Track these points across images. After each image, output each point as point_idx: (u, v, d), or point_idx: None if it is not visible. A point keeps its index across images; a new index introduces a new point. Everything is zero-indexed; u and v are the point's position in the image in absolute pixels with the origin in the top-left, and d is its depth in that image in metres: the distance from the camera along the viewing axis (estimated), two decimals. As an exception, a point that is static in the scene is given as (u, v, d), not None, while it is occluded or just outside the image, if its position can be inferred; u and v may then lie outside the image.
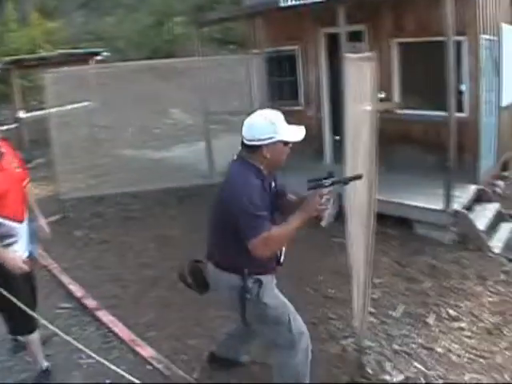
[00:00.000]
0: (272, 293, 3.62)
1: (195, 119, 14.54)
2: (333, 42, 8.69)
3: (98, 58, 15.25)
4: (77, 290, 6.15)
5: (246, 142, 3.39)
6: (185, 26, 23.46)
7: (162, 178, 9.48)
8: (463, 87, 8.18)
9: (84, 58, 15.27)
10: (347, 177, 3.90)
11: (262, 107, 9.03)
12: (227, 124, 12.73)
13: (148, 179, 9.53)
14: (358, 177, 3.72)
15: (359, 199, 4.07)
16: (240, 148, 3.47)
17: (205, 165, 9.95)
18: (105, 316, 5.49)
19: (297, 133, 3.45)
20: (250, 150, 3.39)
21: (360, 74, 4.28)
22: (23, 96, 15.64)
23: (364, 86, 4.08)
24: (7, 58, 15.24)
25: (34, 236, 4.39)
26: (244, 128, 3.40)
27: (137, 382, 2.93)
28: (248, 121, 3.41)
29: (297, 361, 3.64)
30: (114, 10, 28.54)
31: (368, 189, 3.79)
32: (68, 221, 8.73)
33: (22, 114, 15.46)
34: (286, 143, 3.41)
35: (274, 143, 3.35)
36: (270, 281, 3.62)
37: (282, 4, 7.93)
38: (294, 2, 7.83)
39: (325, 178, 3.42)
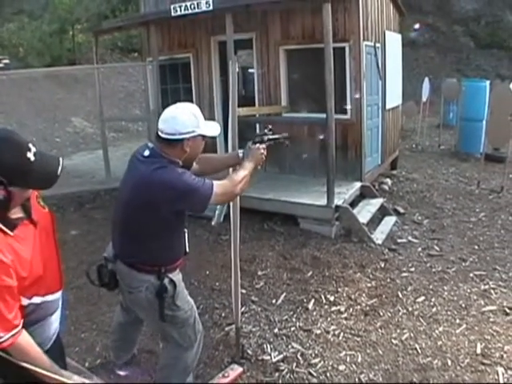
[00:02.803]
0: (184, 294, 3.63)
1: (96, 127, 14.57)
2: (224, 49, 8.99)
3: (-1, 65, 15.00)
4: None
5: (165, 136, 3.26)
6: (87, 33, 23.26)
7: (61, 185, 9.41)
8: (347, 91, 8.66)
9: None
10: (282, 135, 4.13)
11: (155, 114, 9.28)
12: (127, 132, 12.84)
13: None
14: (288, 137, 4.21)
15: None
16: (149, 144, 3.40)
17: (102, 171, 10.03)
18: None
19: (214, 128, 3.48)
20: (169, 144, 3.28)
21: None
22: None
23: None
24: None
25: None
26: (163, 122, 3.29)
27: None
28: (168, 114, 3.31)
29: (190, 355, 3.75)
30: (15, 16, 27.79)
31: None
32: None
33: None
34: (204, 137, 3.41)
35: (195, 137, 3.31)
36: (180, 279, 3.62)
37: (173, 13, 8.16)
38: (184, 12, 8.07)
39: (265, 134, 3.86)
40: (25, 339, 2.36)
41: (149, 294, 3.39)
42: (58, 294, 2.72)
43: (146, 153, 3.31)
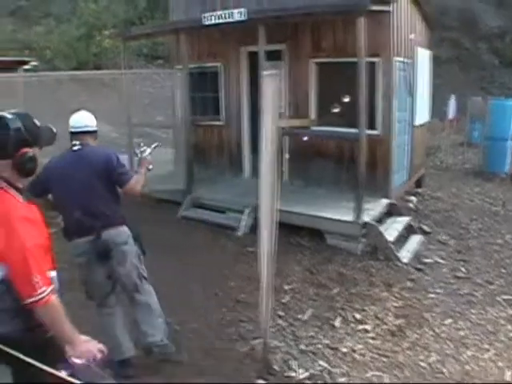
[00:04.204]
0: None
1: (119, 131, 14.55)
2: (254, 60, 8.98)
3: (26, 66, 15.03)
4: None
5: (90, 128, 4.41)
6: (112, 39, 23.41)
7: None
8: (377, 107, 8.58)
9: (12, 66, 15.01)
10: (156, 144, 4.97)
11: (183, 122, 9.27)
12: (150, 137, 12.81)
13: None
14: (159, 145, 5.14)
15: (265, 209, 4.33)
16: (77, 141, 4.34)
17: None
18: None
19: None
20: (93, 134, 4.47)
21: (272, 91, 4.55)
22: None
23: (272, 102, 4.36)
24: None
25: None
26: (83, 119, 4.41)
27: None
28: (81, 114, 4.46)
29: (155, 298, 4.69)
30: (44, 19, 28.07)
31: (271, 199, 4.07)
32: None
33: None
34: None
35: None
36: None
37: (205, 22, 8.15)
38: (216, 21, 8.06)
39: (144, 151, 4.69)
40: (56, 298, 2.61)
41: (129, 243, 4.47)
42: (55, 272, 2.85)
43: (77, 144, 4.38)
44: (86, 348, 2.72)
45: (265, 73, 4.64)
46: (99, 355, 2.75)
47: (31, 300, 2.51)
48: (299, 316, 5.63)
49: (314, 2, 8.27)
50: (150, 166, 4.65)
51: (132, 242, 4.50)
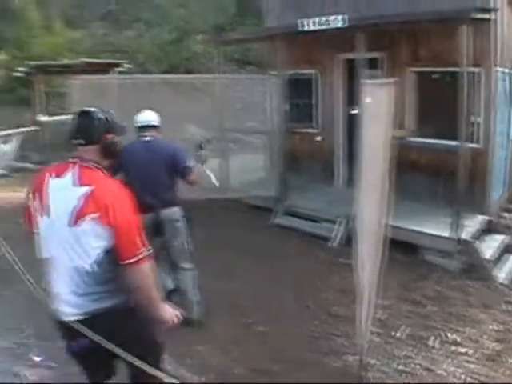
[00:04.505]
0: None
1: (210, 135, 14.74)
2: (350, 67, 8.83)
3: (119, 69, 15.49)
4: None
5: (154, 123, 5.38)
6: (204, 44, 23.75)
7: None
8: (477, 118, 8.25)
9: (106, 68, 15.50)
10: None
11: (277, 128, 9.24)
12: (239, 143, 12.90)
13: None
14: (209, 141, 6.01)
15: (372, 223, 4.20)
16: (145, 133, 5.30)
17: (219, 179, 9.98)
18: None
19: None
20: (157, 128, 5.42)
21: (377, 100, 4.42)
22: (44, 100, 15.90)
23: (380, 112, 4.23)
24: (31, 63, 15.53)
25: None
26: (148, 116, 5.40)
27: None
28: (147, 112, 5.44)
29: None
30: (134, 23, 28.90)
31: (380, 214, 3.92)
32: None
33: (42, 118, 15.76)
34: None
35: None
36: None
37: (301, 28, 8.08)
38: (314, 27, 7.98)
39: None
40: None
41: (179, 221, 5.39)
42: None
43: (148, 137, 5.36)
44: (169, 313, 3.12)
45: (366, 81, 4.52)
46: (177, 320, 3.15)
47: (134, 259, 2.85)
48: (393, 333, 5.44)
49: (413, 8, 8.08)
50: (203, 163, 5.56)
51: (183, 220, 5.44)
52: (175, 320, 3.14)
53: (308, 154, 10.53)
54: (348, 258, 6.18)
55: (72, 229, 2.86)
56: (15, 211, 9.56)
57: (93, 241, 2.86)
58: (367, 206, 4.24)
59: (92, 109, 3.15)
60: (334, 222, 8.12)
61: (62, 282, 2.93)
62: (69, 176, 2.96)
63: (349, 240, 6.79)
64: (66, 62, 18.44)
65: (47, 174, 3.03)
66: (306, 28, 8.16)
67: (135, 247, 2.88)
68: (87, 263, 2.87)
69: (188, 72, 19.76)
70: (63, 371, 4.41)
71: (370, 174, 4.24)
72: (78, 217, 2.84)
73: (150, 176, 5.12)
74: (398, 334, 5.43)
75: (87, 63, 15.53)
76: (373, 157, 4.27)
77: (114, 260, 2.88)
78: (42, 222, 3.00)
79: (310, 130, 10.51)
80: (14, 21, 23.16)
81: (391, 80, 4.24)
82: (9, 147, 15.26)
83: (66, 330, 2.99)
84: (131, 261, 2.86)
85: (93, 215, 2.83)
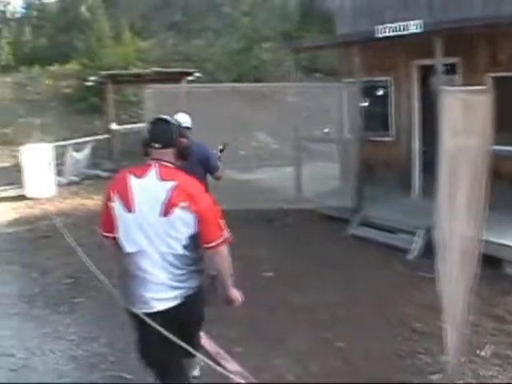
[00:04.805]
0: None
1: (280, 144, 14.73)
2: (425, 73, 8.59)
3: (189, 78, 15.65)
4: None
5: (188, 125, 5.96)
6: (274, 51, 23.75)
7: (247, 199, 9.51)
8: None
9: (176, 77, 15.70)
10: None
11: (353, 137, 9.08)
12: (309, 151, 12.80)
13: (233, 199, 9.53)
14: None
15: (457, 236, 4.01)
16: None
17: (290, 190, 9.95)
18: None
19: None
20: (189, 130, 5.88)
21: (464, 108, 4.25)
22: (115, 109, 16.27)
23: (469, 120, 4.05)
24: (103, 72, 15.89)
25: None
26: (183, 118, 5.86)
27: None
28: (181, 115, 6.16)
29: None
30: (203, 33, 29.26)
31: (474, 227, 3.74)
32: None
33: (113, 126, 16.11)
34: None
35: None
36: None
37: (379, 35, 7.92)
38: (390, 33, 7.81)
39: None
40: None
41: None
42: None
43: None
44: (235, 295, 3.57)
45: (445, 88, 4.35)
46: (240, 302, 3.61)
47: (218, 241, 3.30)
48: (479, 352, 5.18)
49: (490, 11, 7.81)
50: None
51: None
52: (239, 301, 3.60)
53: (383, 163, 10.30)
54: (428, 271, 6.02)
55: (165, 218, 3.22)
56: (88, 219, 9.79)
57: (182, 227, 3.24)
58: (450, 217, 4.05)
59: (166, 116, 3.59)
60: (411, 234, 7.89)
61: (159, 268, 3.27)
62: (152, 174, 3.32)
63: (428, 252, 6.54)
64: (136, 71, 18.82)
65: (128, 175, 3.36)
66: (382, 34, 7.99)
67: (218, 231, 3.32)
68: (180, 247, 3.27)
69: (257, 81, 19.82)
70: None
71: (454, 184, 4.06)
72: (169, 207, 3.21)
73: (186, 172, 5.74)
74: (483, 353, 5.17)
75: (157, 72, 15.80)
76: (455, 167, 4.09)
77: (196, 244, 3.33)
78: (126, 219, 3.29)
79: (385, 139, 10.32)
80: (85, 31, 23.85)
81: (484, 87, 4.04)
82: (81, 155, 15.66)
83: (160, 318, 3.22)
84: (214, 244, 3.30)
85: (183, 204, 3.20)
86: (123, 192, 3.30)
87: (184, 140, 3.49)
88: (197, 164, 5.77)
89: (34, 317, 6.06)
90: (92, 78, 16.68)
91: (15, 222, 10.57)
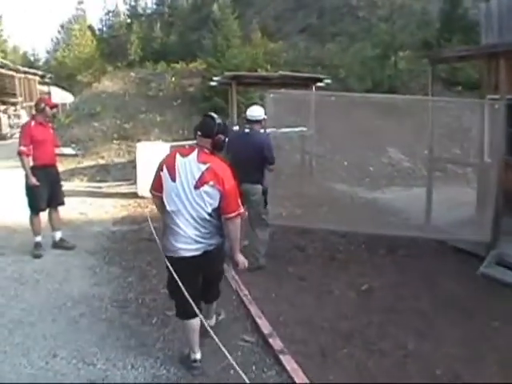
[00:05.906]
0: None
1: (413, 162, 13.79)
2: None
3: (319, 84, 14.98)
4: (264, 324, 5.69)
5: (259, 118, 7.34)
6: (410, 61, 22.56)
7: (373, 222, 8.86)
8: None
9: (305, 83, 15.12)
10: None
11: (492, 160, 7.99)
12: (443, 171, 11.82)
13: (358, 220, 8.88)
14: None
15: None
16: (248, 125, 7.43)
17: (420, 214, 9.06)
18: (289, 362, 4.89)
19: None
20: (261, 122, 7.41)
21: None
22: (238, 111, 16.00)
23: None
24: (228, 73, 15.61)
25: None
26: (257, 112, 7.37)
27: None
28: (256, 108, 7.48)
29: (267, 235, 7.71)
30: (336, 37, 28.55)
31: None
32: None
33: (235, 128, 15.81)
34: None
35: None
36: None
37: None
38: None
39: None
40: None
41: (259, 195, 7.41)
42: None
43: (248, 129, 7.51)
44: (242, 259, 4.90)
45: None
46: (245, 265, 4.96)
47: (236, 213, 4.58)
48: None
49: None
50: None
51: (261, 195, 7.43)
52: (245, 265, 4.95)
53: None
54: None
55: (197, 190, 4.45)
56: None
57: (208, 199, 4.46)
58: None
59: (214, 114, 4.75)
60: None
61: (190, 225, 4.49)
62: (193, 155, 4.54)
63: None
64: (263, 73, 18.46)
65: (176, 154, 4.60)
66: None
67: (236, 206, 4.59)
68: (205, 213, 4.49)
69: (391, 91, 18.77)
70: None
71: None
72: (201, 183, 4.43)
73: (245, 159, 6.96)
74: None
75: (284, 76, 15.26)
76: None
77: (218, 214, 4.56)
78: (170, 186, 4.51)
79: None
80: (214, 30, 23.88)
81: None
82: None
83: (184, 262, 4.57)
84: (232, 215, 4.56)
85: (211, 182, 4.42)
86: (171, 165, 4.54)
87: (221, 136, 4.57)
88: (252, 152, 7.13)
89: (122, 325, 5.75)
90: (215, 79, 16.44)
91: (121, 221, 10.42)
